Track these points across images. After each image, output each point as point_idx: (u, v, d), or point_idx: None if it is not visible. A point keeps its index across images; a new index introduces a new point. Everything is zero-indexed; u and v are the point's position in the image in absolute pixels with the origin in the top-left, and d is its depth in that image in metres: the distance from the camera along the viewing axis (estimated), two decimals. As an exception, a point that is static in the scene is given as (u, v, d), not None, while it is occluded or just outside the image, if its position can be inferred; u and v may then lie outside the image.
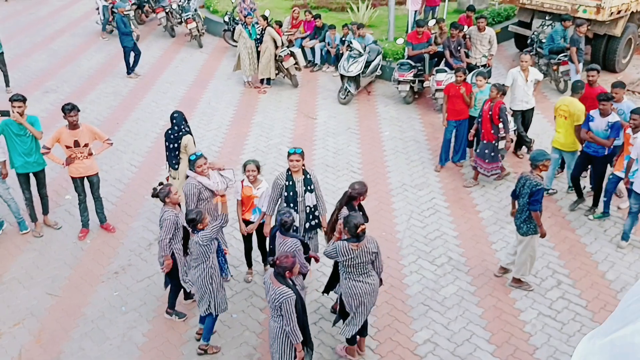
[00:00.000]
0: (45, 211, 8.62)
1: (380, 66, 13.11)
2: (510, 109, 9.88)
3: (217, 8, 18.14)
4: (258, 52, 13.19)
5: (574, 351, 2.87)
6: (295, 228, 6.73)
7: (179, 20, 16.89)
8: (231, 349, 6.53)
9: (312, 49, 14.65)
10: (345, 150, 10.74)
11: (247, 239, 7.29)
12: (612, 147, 8.16)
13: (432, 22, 13.01)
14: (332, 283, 6.61)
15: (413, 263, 7.80)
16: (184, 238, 6.50)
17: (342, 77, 12.59)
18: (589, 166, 8.74)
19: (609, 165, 8.46)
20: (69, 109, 7.73)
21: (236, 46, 13.62)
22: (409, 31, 13.59)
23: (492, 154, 9.16)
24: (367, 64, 12.56)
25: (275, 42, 13.02)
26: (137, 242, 8.31)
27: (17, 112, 7.79)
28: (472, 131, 9.46)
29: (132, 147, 10.98)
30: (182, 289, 6.93)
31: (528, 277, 7.29)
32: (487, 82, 9.76)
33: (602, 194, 8.54)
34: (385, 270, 6.63)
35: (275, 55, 13.13)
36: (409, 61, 12.15)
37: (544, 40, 12.73)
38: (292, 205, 6.72)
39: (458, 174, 9.90)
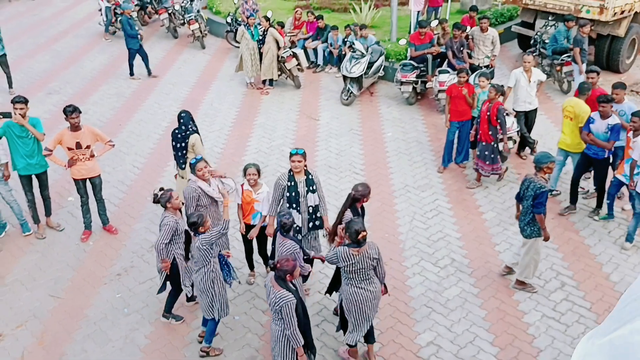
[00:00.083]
0: (48, 213, 8.62)
1: (382, 67, 13.08)
2: (514, 110, 9.86)
3: (219, 9, 18.14)
4: (260, 54, 13.18)
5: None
6: (298, 229, 6.73)
7: (182, 21, 16.91)
8: (233, 351, 6.51)
9: (315, 50, 14.63)
10: (348, 151, 10.72)
11: (247, 241, 7.28)
12: (612, 149, 8.12)
13: (434, 23, 12.99)
14: (335, 284, 6.59)
15: (416, 265, 7.78)
16: (185, 242, 6.49)
17: (345, 78, 12.58)
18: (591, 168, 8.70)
19: (610, 167, 8.43)
20: (71, 111, 7.73)
21: (239, 47, 13.62)
22: (412, 32, 13.56)
23: (492, 155, 9.13)
24: (370, 64, 12.54)
25: (277, 43, 13.01)
26: (140, 243, 8.30)
27: (19, 114, 7.80)
28: (472, 132, 9.43)
29: (134, 148, 10.97)
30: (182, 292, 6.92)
31: (532, 279, 7.26)
32: (489, 83, 9.73)
33: (605, 197, 8.50)
34: (387, 272, 6.60)
35: (278, 56, 13.12)
36: (412, 62, 12.13)
37: (547, 41, 12.70)
38: (294, 205, 6.71)
39: (461, 175, 9.87)
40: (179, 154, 8.12)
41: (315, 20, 14.68)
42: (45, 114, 12.01)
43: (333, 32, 14.10)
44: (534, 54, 12.53)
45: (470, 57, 11.92)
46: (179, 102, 12.92)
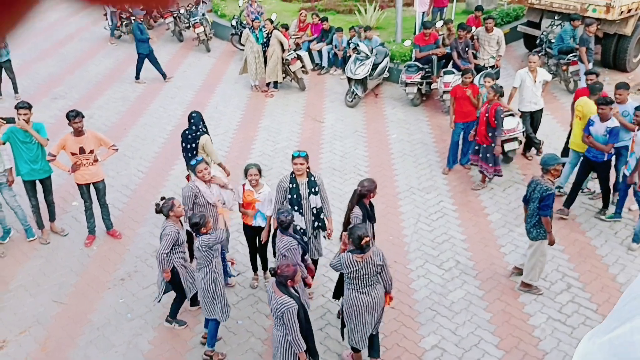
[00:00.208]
0: (52, 218, 8.63)
1: (387, 68, 13.03)
2: (519, 110, 9.78)
3: (224, 12, 18.16)
4: (265, 56, 13.17)
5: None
6: (303, 231, 6.71)
7: (187, 24, 16.95)
8: (237, 356, 6.48)
9: (320, 52, 14.60)
10: (353, 153, 10.68)
11: (251, 242, 7.26)
12: (611, 152, 8.03)
13: (439, 24, 12.91)
14: (341, 288, 6.55)
15: (420, 267, 7.72)
16: (188, 241, 6.53)
17: (350, 79, 12.53)
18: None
19: (613, 168, 8.34)
20: (74, 116, 7.74)
21: (243, 50, 13.62)
22: (417, 33, 13.51)
23: (494, 157, 9.05)
24: (375, 66, 12.49)
25: (282, 45, 13.00)
26: (144, 248, 8.30)
27: (23, 120, 7.81)
28: (472, 132, 9.33)
29: (139, 152, 10.98)
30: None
31: (537, 281, 7.19)
32: (495, 84, 9.66)
33: (612, 194, 8.41)
34: (392, 275, 6.55)
35: (282, 59, 13.10)
36: (417, 63, 12.08)
37: (553, 40, 12.60)
38: (296, 207, 6.71)
39: (466, 176, 9.80)
40: (189, 154, 8.12)
41: (320, 22, 14.65)
42: (50, 118, 12.04)
43: (338, 34, 14.07)
44: (540, 54, 12.46)
45: (475, 57, 11.85)
46: (184, 105, 12.92)
